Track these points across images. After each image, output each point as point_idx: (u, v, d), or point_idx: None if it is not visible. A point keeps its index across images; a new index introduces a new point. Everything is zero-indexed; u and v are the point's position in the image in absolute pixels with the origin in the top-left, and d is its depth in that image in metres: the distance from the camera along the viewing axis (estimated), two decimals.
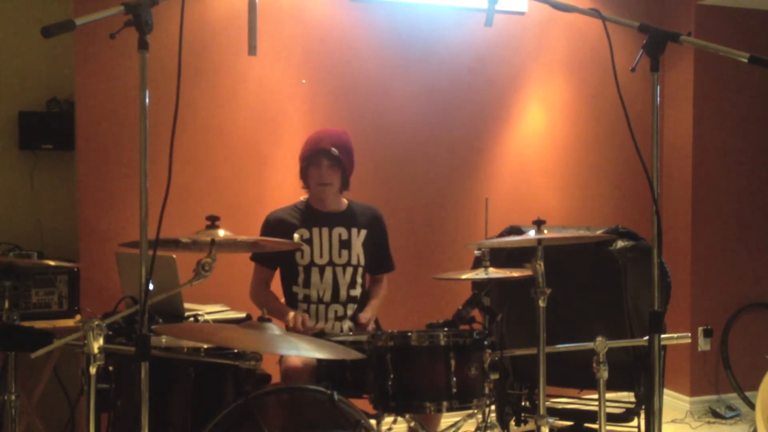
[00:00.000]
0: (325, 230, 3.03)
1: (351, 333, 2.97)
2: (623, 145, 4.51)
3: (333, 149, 2.98)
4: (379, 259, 3.17)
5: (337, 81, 4.05)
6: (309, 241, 3.00)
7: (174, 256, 2.72)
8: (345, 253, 3.03)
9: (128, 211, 3.57)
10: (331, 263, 3.00)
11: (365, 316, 3.01)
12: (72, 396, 3.52)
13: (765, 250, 4.71)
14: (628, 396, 3.49)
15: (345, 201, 3.14)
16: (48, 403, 3.50)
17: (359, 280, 3.05)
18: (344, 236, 3.04)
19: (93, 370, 1.78)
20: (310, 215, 3.07)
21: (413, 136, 4.19)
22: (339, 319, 3.01)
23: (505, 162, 4.41)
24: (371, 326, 3.05)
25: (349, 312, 3.02)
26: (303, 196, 3.16)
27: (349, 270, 3.02)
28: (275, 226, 3.03)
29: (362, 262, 3.05)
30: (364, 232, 3.08)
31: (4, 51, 3.78)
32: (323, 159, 2.99)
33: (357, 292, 3.05)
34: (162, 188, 1.70)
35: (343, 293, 3.01)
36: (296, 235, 3.00)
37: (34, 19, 3.76)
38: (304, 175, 3.07)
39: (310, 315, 2.99)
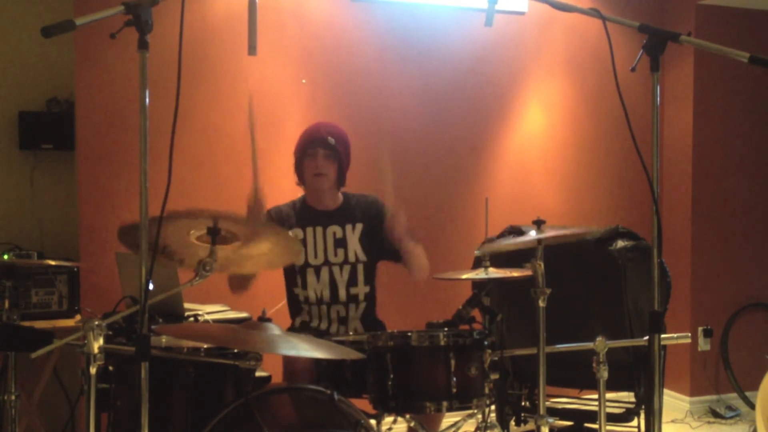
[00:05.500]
0: (319, 230, 2.98)
1: (355, 334, 2.95)
2: (623, 145, 4.51)
3: (330, 138, 2.93)
4: (392, 245, 2.98)
5: (337, 81, 4.05)
6: (303, 242, 2.97)
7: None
8: (341, 251, 2.98)
9: (128, 211, 3.57)
10: (326, 263, 2.96)
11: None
12: (72, 396, 3.52)
13: (765, 250, 4.71)
14: (628, 396, 3.49)
15: (340, 196, 3.07)
16: (48, 403, 3.50)
17: (361, 277, 2.99)
18: (339, 234, 2.99)
19: (93, 370, 1.78)
20: (305, 214, 3.02)
21: (413, 135, 4.19)
22: (341, 321, 2.98)
23: (505, 162, 4.41)
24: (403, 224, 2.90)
25: (352, 313, 2.99)
26: (301, 194, 3.12)
27: (347, 268, 2.98)
28: (277, 220, 2.99)
29: (361, 257, 2.98)
30: (360, 226, 3.01)
31: (4, 51, 3.78)
32: (319, 149, 2.93)
33: (359, 290, 2.98)
34: (162, 188, 1.70)
35: (342, 293, 2.96)
36: (291, 234, 2.95)
37: (35, 19, 3.76)
38: (299, 168, 3.01)
39: (312, 316, 2.98)
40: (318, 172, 2.95)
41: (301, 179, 3.04)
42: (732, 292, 4.64)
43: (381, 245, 3.00)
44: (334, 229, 3.00)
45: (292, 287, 3.01)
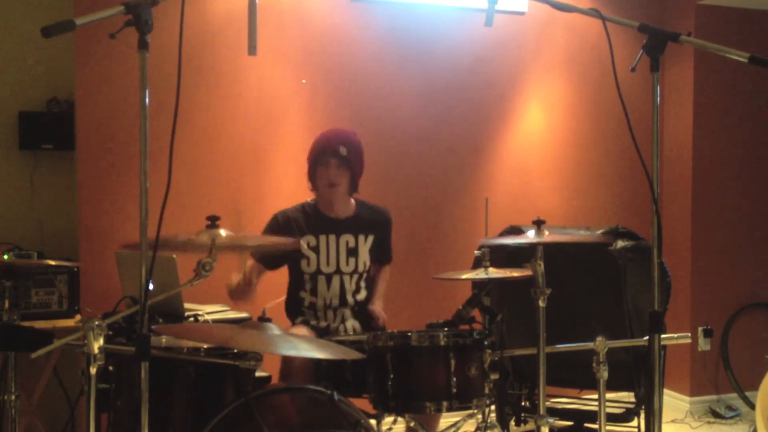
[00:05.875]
0: (332, 237, 2.99)
1: (354, 333, 2.96)
2: (623, 145, 4.51)
3: (342, 149, 2.93)
4: (380, 255, 3.14)
5: (337, 81, 4.05)
6: (316, 249, 2.97)
7: (174, 256, 2.71)
8: (352, 261, 3.00)
9: (128, 211, 3.57)
10: (338, 272, 2.98)
11: (377, 309, 3.03)
12: (72, 396, 3.52)
13: (765, 250, 4.71)
14: (628, 396, 3.49)
15: (353, 203, 3.09)
16: (48, 403, 3.50)
17: (363, 284, 3.05)
18: (351, 244, 3.01)
19: (93, 370, 1.78)
20: (318, 221, 3.02)
21: (413, 136, 4.19)
22: (343, 320, 3.01)
23: (505, 162, 4.41)
24: (383, 317, 3.03)
25: (354, 312, 3.02)
26: (309, 197, 3.12)
27: (355, 277, 3.01)
28: (284, 224, 2.98)
29: (368, 267, 3.04)
30: (371, 238, 3.05)
31: (4, 51, 3.78)
32: (331, 159, 2.94)
33: (362, 295, 3.04)
34: (162, 188, 1.70)
35: (349, 299, 3.00)
36: (303, 243, 2.96)
37: (35, 19, 3.76)
38: (312, 175, 3.01)
39: (317, 319, 2.99)
40: (330, 182, 2.96)
41: (314, 186, 3.04)
42: (732, 292, 4.64)
43: (381, 253, 3.09)
44: (347, 238, 3.02)
45: (298, 291, 3.01)
